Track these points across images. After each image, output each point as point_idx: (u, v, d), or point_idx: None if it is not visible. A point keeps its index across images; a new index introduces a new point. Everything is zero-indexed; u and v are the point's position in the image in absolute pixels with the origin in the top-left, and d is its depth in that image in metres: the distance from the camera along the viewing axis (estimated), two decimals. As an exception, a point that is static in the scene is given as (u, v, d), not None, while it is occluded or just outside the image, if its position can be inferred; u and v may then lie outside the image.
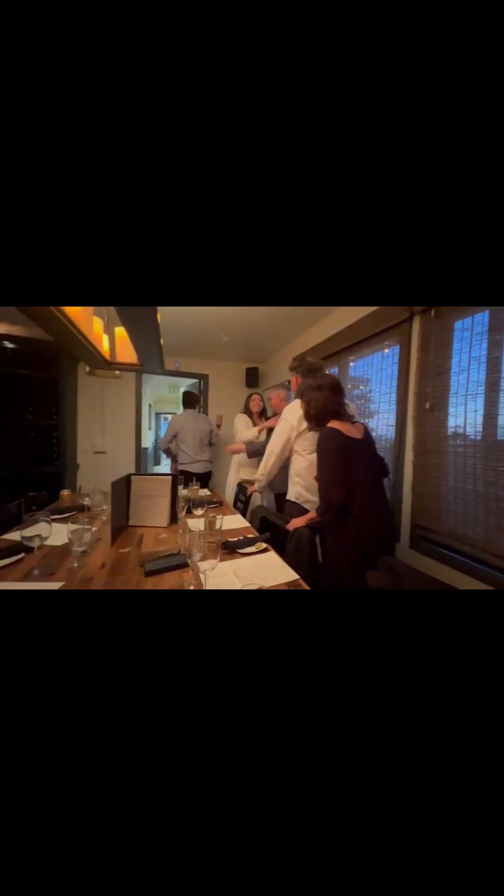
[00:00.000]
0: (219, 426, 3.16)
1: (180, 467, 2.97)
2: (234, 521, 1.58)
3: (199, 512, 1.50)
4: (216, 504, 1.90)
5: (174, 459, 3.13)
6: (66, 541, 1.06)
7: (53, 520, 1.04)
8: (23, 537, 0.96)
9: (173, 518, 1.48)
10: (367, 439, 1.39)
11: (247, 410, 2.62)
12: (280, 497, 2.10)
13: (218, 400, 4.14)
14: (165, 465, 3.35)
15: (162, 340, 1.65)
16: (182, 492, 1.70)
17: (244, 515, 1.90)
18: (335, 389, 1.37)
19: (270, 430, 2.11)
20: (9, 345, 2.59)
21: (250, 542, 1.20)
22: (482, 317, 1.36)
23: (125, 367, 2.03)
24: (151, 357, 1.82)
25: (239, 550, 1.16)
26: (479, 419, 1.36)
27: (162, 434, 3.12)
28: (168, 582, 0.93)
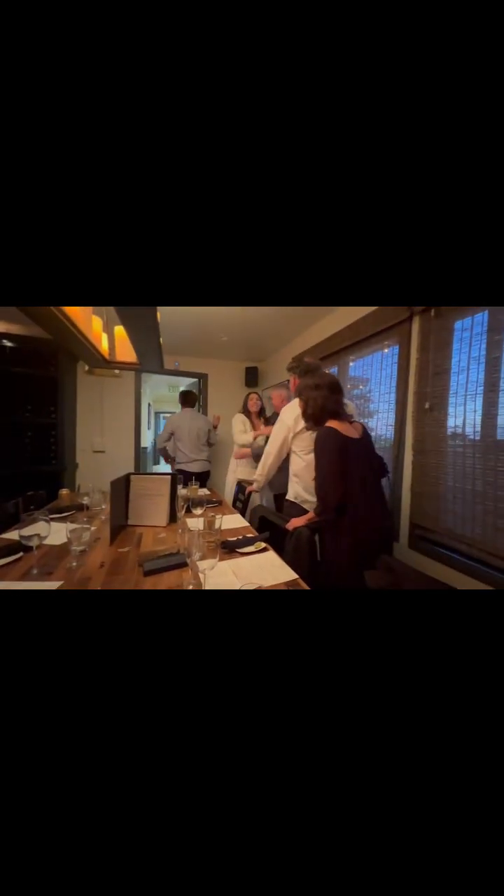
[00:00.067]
0: (215, 427, 3.14)
1: (177, 466, 2.96)
2: (233, 521, 1.58)
3: (199, 511, 1.51)
4: (215, 503, 1.90)
5: (170, 460, 3.10)
6: (65, 540, 1.06)
7: (52, 519, 1.03)
8: (21, 536, 0.96)
9: (172, 517, 1.48)
10: (366, 439, 1.39)
11: (245, 410, 2.62)
12: (279, 497, 2.10)
13: (217, 399, 4.13)
14: (165, 465, 3.33)
15: (161, 339, 1.65)
16: (181, 491, 1.70)
17: (243, 515, 1.90)
18: (334, 389, 1.37)
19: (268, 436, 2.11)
20: (7, 343, 2.59)
21: (249, 542, 1.20)
22: (482, 317, 1.36)
23: (124, 366, 2.02)
24: (151, 356, 1.82)
25: (238, 550, 1.16)
26: (479, 419, 1.36)
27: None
28: (167, 581, 0.93)
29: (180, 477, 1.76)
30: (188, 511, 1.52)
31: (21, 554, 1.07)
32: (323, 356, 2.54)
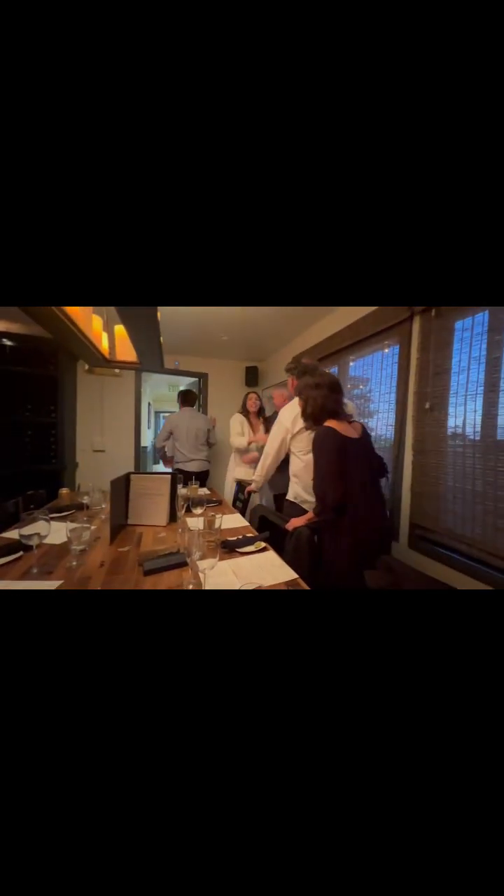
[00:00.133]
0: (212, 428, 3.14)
1: (176, 466, 2.95)
2: (233, 521, 1.58)
3: (199, 511, 1.51)
4: (215, 503, 1.91)
5: (166, 460, 3.08)
6: (65, 539, 1.06)
7: (52, 518, 1.04)
8: (21, 535, 0.96)
9: (172, 517, 1.48)
10: (365, 438, 1.39)
11: (244, 410, 2.61)
12: (279, 497, 2.10)
13: (217, 399, 4.13)
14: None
15: (161, 339, 1.65)
16: (181, 491, 1.70)
17: (243, 514, 1.90)
18: (333, 388, 1.37)
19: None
20: (7, 342, 2.59)
21: (249, 542, 1.21)
22: (482, 317, 1.36)
23: (124, 366, 2.02)
24: (151, 355, 1.81)
25: (238, 549, 1.16)
26: (479, 419, 1.36)
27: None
28: (167, 581, 0.93)
29: (180, 476, 1.75)
30: (188, 510, 1.52)
31: (21, 553, 1.07)
32: (323, 356, 2.54)
